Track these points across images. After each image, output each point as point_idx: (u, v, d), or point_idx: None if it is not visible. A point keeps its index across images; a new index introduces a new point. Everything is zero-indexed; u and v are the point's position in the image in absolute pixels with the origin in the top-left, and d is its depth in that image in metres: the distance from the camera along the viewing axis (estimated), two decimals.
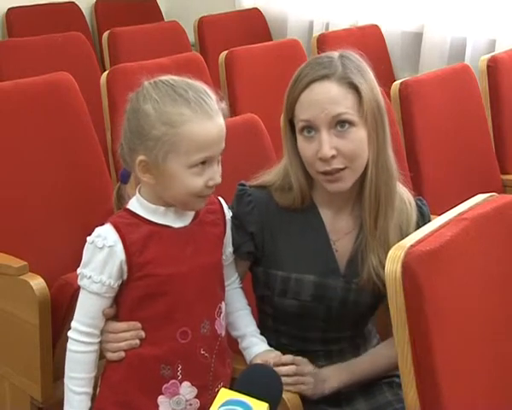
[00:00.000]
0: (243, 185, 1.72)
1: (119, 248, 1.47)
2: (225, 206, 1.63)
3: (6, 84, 2.31)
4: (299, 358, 1.64)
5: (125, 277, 1.49)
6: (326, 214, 1.70)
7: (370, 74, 1.63)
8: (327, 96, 1.58)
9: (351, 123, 1.58)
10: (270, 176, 1.72)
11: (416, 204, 1.71)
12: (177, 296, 1.49)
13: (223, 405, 1.26)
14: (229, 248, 1.64)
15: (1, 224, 2.08)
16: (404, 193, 1.70)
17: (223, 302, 1.58)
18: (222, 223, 1.60)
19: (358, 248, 1.67)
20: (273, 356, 1.62)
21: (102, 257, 1.47)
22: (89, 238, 1.49)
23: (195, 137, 1.44)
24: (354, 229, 1.69)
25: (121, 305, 1.52)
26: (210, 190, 1.49)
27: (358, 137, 1.60)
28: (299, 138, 1.63)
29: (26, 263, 1.87)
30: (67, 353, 1.52)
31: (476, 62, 3.01)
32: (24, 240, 2.11)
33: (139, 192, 1.53)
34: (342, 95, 1.58)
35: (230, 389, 1.30)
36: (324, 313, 1.68)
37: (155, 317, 1.49)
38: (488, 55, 2.97)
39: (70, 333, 1.51)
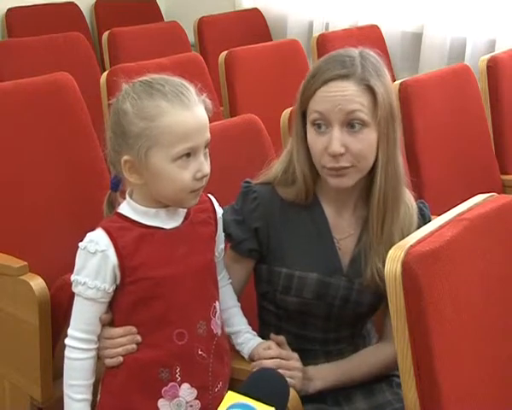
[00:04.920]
0: (248, 183, 1.73)
1: (111, 252, 1.46)
2: (216, 203, 1.62)
3: (6, 85, 2.30)
4: (288, 352, 1.64)
5: (118, 281, 1.48)
6: (329, 212, 1.70)
7: (387, 77, 1.64)
8: (343, 94, 1.58)
9: (363, 122, 1.59)
10: (272, 171, 1.73)
11: (418, 207, 1.72)
12: (171, 298, 1.49)
13: (229, 408, 1.26)
14: (221, 245, 1.64)
15: (1, 224, 2.08)
16: (406, 195, 1.70)
17: (217, 302, 1.57)
18: (213, 222, 1.60)
19: (361, 249, 1.68)
20: (264, 347, 1.63)
21: (96, 262, 1.47)
22: (81, 244, 1.49)
23: (175, 128, 1.44)
24: (356, 229, 1.70)
25: (116, 310, 1.51)
26: (200, 183, 1.48)
27: (369, 138, 1.60)
28: (310, 130, 1.64)
29: (26, 263, 1.87)
30: (66, 360, 1.51)
31: (476, 62, 3.01)
32: (24, 240, 2.11)
33: (129, 196, 1.53)
34: (359, 94, 1.58)
35: (236, 391, 1.30)
36: (325, 311, 1.69)
37: (151, 320, 1.49)
38: (488, 56, 2.97)
39: (67, 341, 1.51)
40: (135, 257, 1.47)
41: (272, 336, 1.67)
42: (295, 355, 1.65)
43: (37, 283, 1.82)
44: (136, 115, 1.45)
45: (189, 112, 1.46)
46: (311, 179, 1.67)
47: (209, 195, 1.61)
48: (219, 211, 1.62)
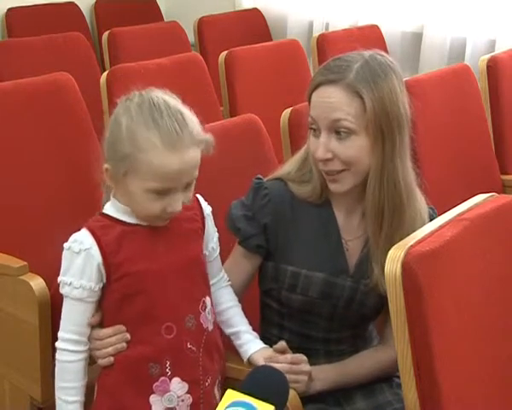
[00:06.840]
0: (259, 179, 1.73)
1: (95, 250, 1.48)
2: (203, 201, 1.62)
3: (6, 85, 2.30)
4: (299, 356, 1.63)
5: (104, 280, 1.50)
6: (339, 213, 1.70)
7: (389, 83, 1.60)
8: (329, 101, 1.59)
9: (350, 130, 1.58)
10: (285, 166, 1.73)
11: (427, 212, 1.71)
12: (155, 293, 1.50)
13: (229, 406, 1.25)
14: (211, 244, 1.63)
15: (1, 224, 2.08)
16: (415, 200, 1.67)
17: (207, 297, 1.57)
18: (199, 219, 1.60)
19: (368, 251, 1.68)
20: (269, 355, 1.61)
21: (80, 261, 1.48)
22: (65, 245, 1.50)
23: (154, 168, 1.44)
24: (365, 232, 1.70)
25: (104, 309, 1.53)
26: (170, 214, 1.50)
27: (358, 144, 1.60)
28: (309, 132, 1.65)
29: (26, 263, 1.87)
30: (57, 363, 1.53)
31: (476, 62, 3.01)
32: (24, 240, 2.11)
33: (113, 195, 1.54)
34: (346, 102, 1.58)
35: (235, 389, 1.30)
36: (329, 311, 1.69)
37: (137, 316, 1.50)
38: (488, 55, 2.97)
39: (58, 343, 1.52)
40: (118, 254, 1.49)
41: (274, 346, 1.64)
42: (304, 358, 1.64)
43: (37, 283, 1.82)
44: (127, 137, 1.46)
45: (176, 156, 1.44)
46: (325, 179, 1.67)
47: (197, 195, 1.61)
48: (206, 209, 1.62)
